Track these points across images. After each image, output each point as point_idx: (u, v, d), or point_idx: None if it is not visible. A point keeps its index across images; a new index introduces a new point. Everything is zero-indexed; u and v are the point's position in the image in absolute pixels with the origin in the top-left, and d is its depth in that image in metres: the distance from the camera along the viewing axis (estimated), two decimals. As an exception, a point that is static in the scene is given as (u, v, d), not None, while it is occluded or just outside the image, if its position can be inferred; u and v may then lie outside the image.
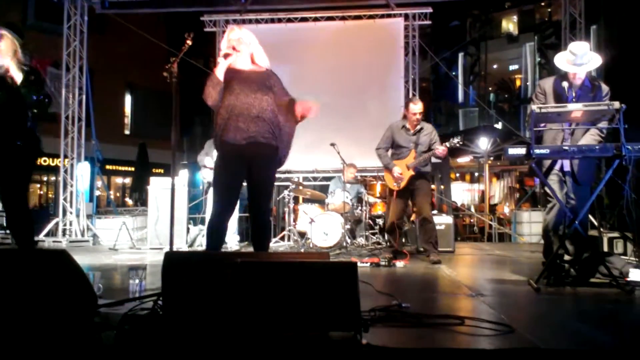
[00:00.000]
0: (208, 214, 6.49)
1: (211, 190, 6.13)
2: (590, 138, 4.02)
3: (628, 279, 3.69)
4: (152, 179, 7.21)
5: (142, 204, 11.72)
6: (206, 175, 6.49)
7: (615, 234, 5.88)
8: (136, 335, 2.25)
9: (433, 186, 11.20)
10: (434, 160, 5.73)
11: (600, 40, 13.84)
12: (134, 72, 19.12)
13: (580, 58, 3.90)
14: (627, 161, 3.48)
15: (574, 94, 4.01)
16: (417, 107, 5.45)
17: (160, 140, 17.73)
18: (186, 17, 9.83)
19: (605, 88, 4.07)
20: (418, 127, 5.52)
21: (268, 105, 3.51)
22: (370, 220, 7.35)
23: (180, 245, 6.72)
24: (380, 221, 7.54)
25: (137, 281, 3.45)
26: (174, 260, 2.33)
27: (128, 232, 7.37)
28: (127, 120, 20.93)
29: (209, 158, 6.35)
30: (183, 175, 7.13)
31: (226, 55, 3.47)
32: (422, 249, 5.95)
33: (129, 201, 18.26)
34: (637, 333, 2.51)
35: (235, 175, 3.51)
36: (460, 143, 5.52)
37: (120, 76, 19.20)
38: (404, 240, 7.98)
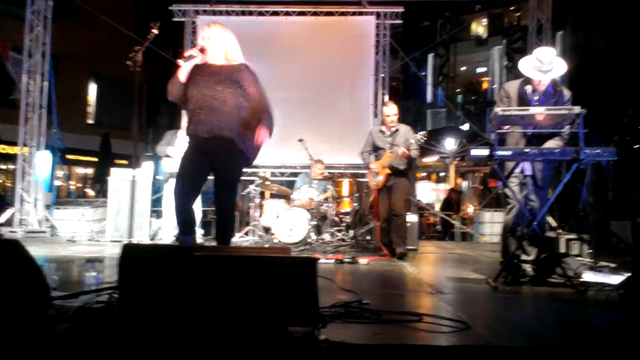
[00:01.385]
0: (165, 207, 6.37)
1: (171, 180, 6.10)
2: (553, 144, 4.11)
3: (582, 280, 3.80)
4: (113, 170, 7.05)
5: (103, 195, 11.45)
6: (167, 165, 6.29)
7: (572, 236, 6.04)
8: (90, 328, 2.20)
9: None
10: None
11: (566, 46, 14.23)
12: (100, 60, 18.60)
13: (545, 65, 3.97)
14: (585, 165, 3.58)
15: (536, 98, 4.09)
16: (389, 109, 5.76)
17: (124, 131, 17.35)
18: (155, 6, 9.64)
19: (567, 93, 4.16)
20: (394, 128, 5.75)
21: (231, 98, 3.51)
22: (336, 217, 7.36)
23: (142, 238, 6.60)
24: (347, 218, 7.57)
25: (93, 273, 3.38)
26: (131, 253, 2.29)
27: (87, 223, 7.20)
28: (91, 109, 20.38)
29: (171, 147, 6.19)
30: (147, 167, 6.98)
31: (189, 57, 3.51)
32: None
33: (90, 192, 17.82)
34: (588, 333, 2.59)
35: (196, 167, 3.55)
36: (424, 139, 5.53)
37: (85, 64, 18.65)
38: (368, 237, 8.05)
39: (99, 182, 16.03)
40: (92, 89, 20.31)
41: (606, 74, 11.61)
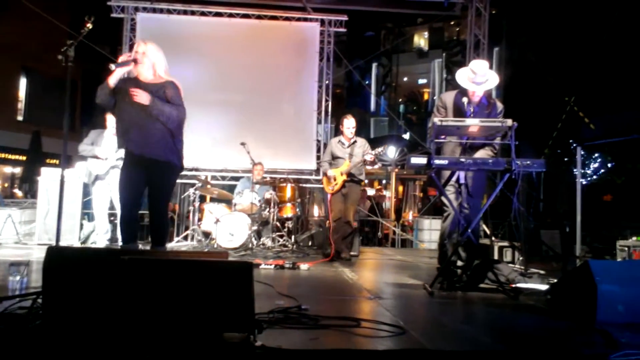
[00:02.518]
0: (96, 210, 6.10)
1: (98, 182, 5.86)
2: (484, 153, 4.28)
3: (513, 286, 3.95)
4: (44, 170, 6.70)
5: (32, 196, 10.87)
6: (94, 167, 5.98)
7: (505, 244, 6.27)
8: (11, 335, 2.07)
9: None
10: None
11: (501, 61, 14.85)
12: (32, 54, 17.69)
13: (479, 77, 4.13)
14: (516, 175, 3.72)
15: (471, 110, 4.23)
16: (348, 122, 6.20)
17: (56, 129, 16.52)
18: (93, 1, 9.27)
19: (499, 106, 4.35)
20: (352, 140, 6.17)
21: (158, 116, 3.74)
22: (278, 222, 7.31)
23: (73, 242, 6.30)
24: (288, 224, 7.53)
25: (18, 278, 3.19)
26: (57, 256, 2.17)
27: (14, 225, 6.80)
28: (21, 106, 19.29)
29: (99, 148, 5.92)
30: (80, 167, 6.64)
31: (121, 64, 3.74)
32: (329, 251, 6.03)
33: (19, 192, 16.86)
34: (518, 335, 2.68)
35: (132, 179, 3.83)
36: (383, 152, 6.41)
37: (16, 58, 17.68)
38: (310, 243, 8.05)
39: (28, 182, 15.20)
40: (23, 85, 19.25)
41: (539, 89, 12.21)
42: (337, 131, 6.64)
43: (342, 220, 6.06)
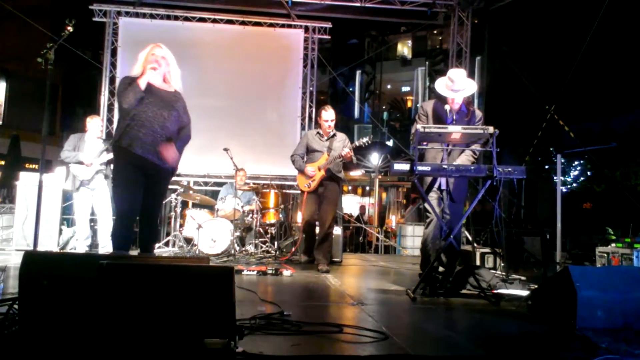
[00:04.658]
0: (78, 215, 6.01)
1: (82, 188, 5.77)
2: (464, 158, 4.33)
3: (495, 292, 3.98)
4: (22, 174, 6.61)
5: (10, 201, 10.70)
6: (79, 172, 5.89)
7: (487, 250, 6.32)
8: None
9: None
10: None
11: (483, 69, 15.05)
12: (11, 57, 17.41)
13: (457, 84, 4.19)
14: (497, 182, 3.76)
15: (454, 117, 4.28)
16: (327, 114, 5.73)
17: (36, 133, 16.26)
18: (74, 5, 9.20)
19: (478, 114, 4.42)
20: (331, 133, 5.77)
21: (169, 123, 3.87)
22: (261, 228, 7.27)
23: (51, 247, 6.20)
24: (272, 230, 7.49)
25: (-6, 284, 3.13)
26: (34, 261, 2.12)
27: (-9, 231, 6.68)
28: (0, 109, 18.97)
29: (83, 154, 5.85)
30: (60, 172, 6.55)
31: (154, 68, 3.79)
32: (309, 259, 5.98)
33: (-4, 198, 16.57)
34: (499, 340, 2.70)
35: (132, 182, 3.81)
36: (369, 142, 5.73)
37: (-6, 60, 17.41)
38: (293, 249, 8.01)
39: (6, 187, 14.94)
40: (2, 88, 18.93)
41: (520, 97, 12.38)
42: (316, 124, 6.24)
43: (317, 222, 5.65)
